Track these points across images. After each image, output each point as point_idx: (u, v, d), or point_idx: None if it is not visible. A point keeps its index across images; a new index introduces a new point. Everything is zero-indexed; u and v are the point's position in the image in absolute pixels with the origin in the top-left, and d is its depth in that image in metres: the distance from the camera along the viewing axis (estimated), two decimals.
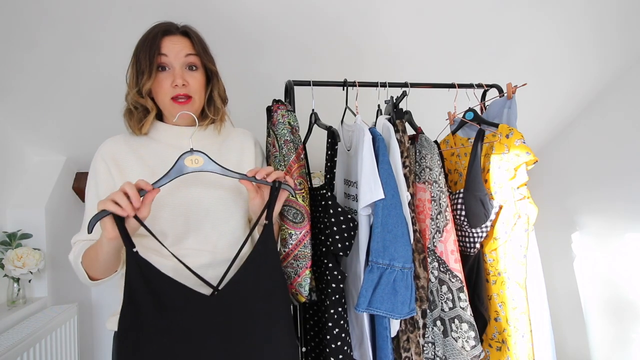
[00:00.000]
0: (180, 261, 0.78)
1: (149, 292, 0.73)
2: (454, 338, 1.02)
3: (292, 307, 1.10)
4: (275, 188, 0.84)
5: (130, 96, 0.88)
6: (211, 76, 0.92)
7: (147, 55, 0.84)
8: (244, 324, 0.79)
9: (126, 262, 0.74)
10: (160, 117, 0.94)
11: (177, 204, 0.87)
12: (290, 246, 0.96)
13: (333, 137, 1.07)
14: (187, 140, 0.86)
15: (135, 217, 0.73)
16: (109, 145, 0.90)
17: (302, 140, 1.10)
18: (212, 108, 0.94)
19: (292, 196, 0.91)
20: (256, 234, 0.91)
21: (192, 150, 0.81)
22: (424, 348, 1.03)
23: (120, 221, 0.71)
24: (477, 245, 1.12)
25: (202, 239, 0.88)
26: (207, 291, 0.79)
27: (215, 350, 0.77)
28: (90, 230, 0.71)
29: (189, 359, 0.75)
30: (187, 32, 0.89)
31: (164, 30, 0.87)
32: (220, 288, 0.79)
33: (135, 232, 0.75)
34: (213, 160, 0.83)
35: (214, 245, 0.88)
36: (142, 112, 0.89)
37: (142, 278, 0.73)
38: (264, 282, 0.82)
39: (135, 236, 0.75)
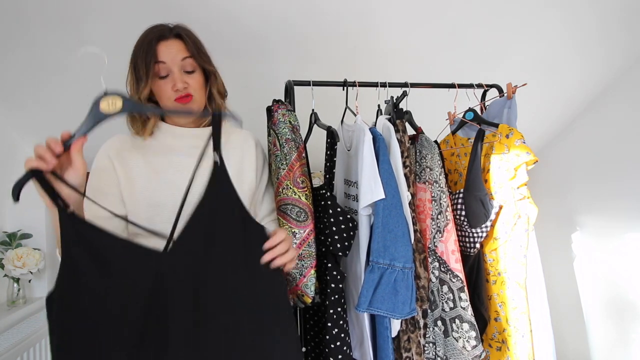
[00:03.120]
0: (129, 221, 0.75)
1: (88, 251, 0.66)
2: (454, 338, 1.02)
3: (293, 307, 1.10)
4: (217, 118, 0.75)
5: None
6: (209, 75, 0.94)
7: (144, 62, 0.85)
8: (204, 279, 0.70)
9: (60, 225, 0.66)
10: (162, 117, 0.96)
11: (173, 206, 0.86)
12: (294, 246, 0.94)
13: (332, 137, 1.07)
14: (189, 139, 0.88)
15: (60, 177, 0.67)
16: (114, 142, 0.92)
17: (303, 140, 1.10)
18: (212, 105, 0.95)
19: (240, 127, 0.81)
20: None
21: (106, 93, 0.71)
22: (425, 348, 1.03)
23: (46, 183, 0.65)
24: (477, 245, 1.12)
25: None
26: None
27: (174, 310, 0.67)
28: (15, 198, 0.65)
29: (140, 323, 0.67)
30: (180, 35, 0.90)
31: (159, 35, 0.88)
32: (174, 239, 0.71)
33: (77, 202, 0.69)
34: (135, 101, 0.76)
35: None
36: (144, 115, 0.91)
37: (80, 238, 0.66)
38: (224, 230, 0.72)
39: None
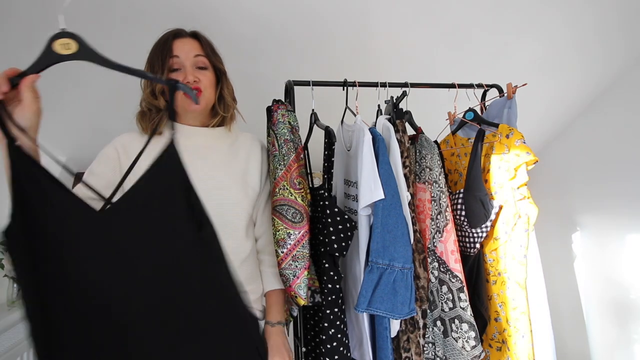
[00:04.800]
0: (85, 183, 0.75)
1: (37, 189, 0.64)
2: (454, 338, 1.02)
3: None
4: (172, 88, 0.72)
5: (144, 98, 0.93)
6: (220, 75, 0.98)
7: (160, 57, 0.89)
8: (142, 242, 0.68)
9: (8, 156, 0.65)
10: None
11: None
12: (288, 246, 0.95)
13: (330, 136, 1.07)
14: (198, 138, 0.92)
15: (2, 105, 0.65)
16: (124, 137, 0.95)
17: (303, 140, 1.10)
18: (222, 105, 0.98)
19: (195, 102, 0.77)
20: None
21: (64, 32, 0.67)
22: (424, 348, 1.03)
23: None
24: (477, 246, 1.11)
25: None
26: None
27: (106, 272, 0.67)
28: None
29: (74, 276, 0.66)
30: (196, 35, 0.96)
31: (175, 34, 0.93)
32: (113, 201, 0.70)
33: (27, 144, 0.68)
34: (91, 48, 0.69)
35: None
36: (154, 112, 0.93)
37: (26, 174, 0.65)
38: (162, 204, 0.69)
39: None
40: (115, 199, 0.70)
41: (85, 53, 0.68)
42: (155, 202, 0.69)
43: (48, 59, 0.68)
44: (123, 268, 0.68)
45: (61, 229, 0.66)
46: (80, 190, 0.80)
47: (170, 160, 0.70)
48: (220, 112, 0.97)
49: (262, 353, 0.85)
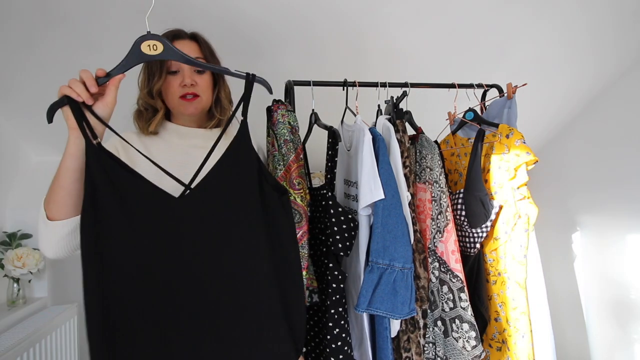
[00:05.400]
0: (151, 160, 0.76)
1: (111, 186, 0.68)
2: (454, 338, 1.02)
3: None
4: (249, 81, 0.79)
5: (141, 97, 0.93)
6: (217, 78, 0.97)
7: None
8: (217, 228, 0.73)
9: (86, 156, 0.69)
10: (168, 118, 0.98)
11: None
12: None
13: (334, 137, 1.07)
14: (194, 139, 0.91)
15: (91, 109, 0.70)
16: (123, 136, 0.93)
17: (302, 140, 1.10)
18: (219, 108, 0.98)
19: (270, 92, 0.85)
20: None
21: (148, 34, 0.74)
22: (425, 348, 1.03)
23: (78, 112, 0.68)
24: (477, 246, 1.12)
25: None
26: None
27: (182, 257, 0.70)
28: (50, 120, 0.69)
29: (152, 260, 0.70)
30: (195, 37, 0.95)
31: (174, 35, 0.92)
32: (192, 187, 0.74)
33: (101, 134, 0.73)
34: (174, 48, 0.76)
35: None
36: (151, 112, 0.93)
37: (104, 172, 0.68)
38: (242, 181, 0.76)
39: None
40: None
41: (169, 52, 0.75)
42: (236, 180, 0.75)
43: (136, 58, 0.74)
44: (203, 245, 0.72)
45: (141, 214, 0.70)
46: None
47: (243, 141, 0.76)
48: (217, 115, 0.97)
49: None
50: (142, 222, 0.70)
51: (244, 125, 0.77)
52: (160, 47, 0.74)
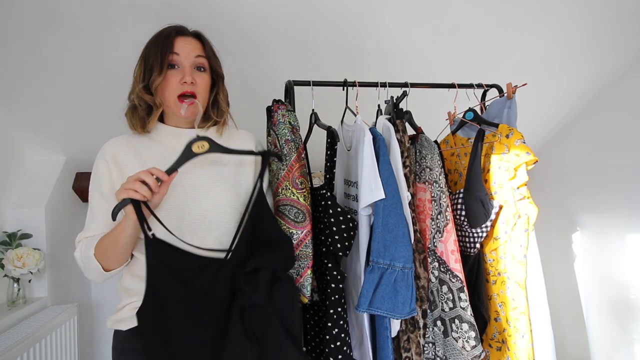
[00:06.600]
0: (188, 244, 0.84)
1: (168, 270, 0.80)
2: (454, 338, 1.02)
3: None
4: (266, 158, 0.93)
5: (135, 92, 0.89)
6: (217, 80, 0.95)
7: (159, 52, 0.86)
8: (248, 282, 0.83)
9: (146, 250, 0.79)
10: (161, 119, 0.95)
11: (173, 207, 0.88)
12: None
13: (332, 137, 1.07)
14: (187, 140, 0.87)
15: (146, 204, 0.78)
16: (110, 146, 0.92)
17: (303, 140, 1.10)
18: (216, 110, 0.96)
19: (280, 161, 0.98)
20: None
21: (198, 137, 0.84)
22: (425, 348, 1.03)
23: (137, 206, 0.77)
24: (477, 245, 1.12)
25: (198, 241, 0.87)
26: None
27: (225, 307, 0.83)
28: (114, 218, 0.78)
29: (213, 327, 0.81)
30: (198, 35, 0.94)
31: (177, 30, 0.90)
32: (232, 249, 0.86)
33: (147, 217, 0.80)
34: (217, 143, 0.87)
35: (209, 246, 0.88)
36: (145, 109, 0.90)
37: (160, 260, 0.79)
38: (263, 241, 0.88)
39: None
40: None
41: (214, 148, 0.86)
42: (256, 241, 0.89)
43: (187, 157, 0.84)
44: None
45: (198, 298, 0.82)
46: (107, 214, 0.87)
47: (263, 206, 0.91)
48: (213, 117, 0.95)
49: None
50: (202, 298, 0.82)
51: (260, 193, 0.91)
52: (207, 146, 0.85)
